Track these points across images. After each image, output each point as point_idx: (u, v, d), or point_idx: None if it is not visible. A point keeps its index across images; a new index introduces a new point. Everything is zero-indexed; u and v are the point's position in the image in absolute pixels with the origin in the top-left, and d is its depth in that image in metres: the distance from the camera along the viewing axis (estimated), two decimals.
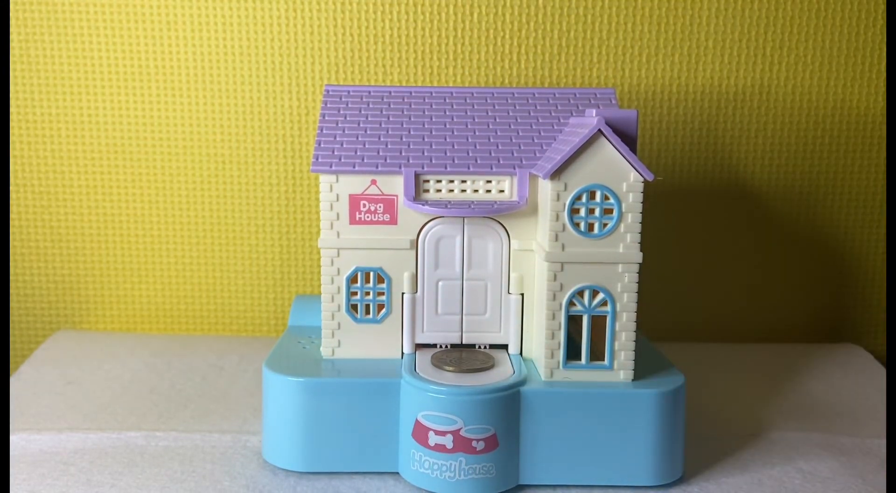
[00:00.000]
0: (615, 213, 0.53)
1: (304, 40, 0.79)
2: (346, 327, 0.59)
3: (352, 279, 0.59)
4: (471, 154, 0.59)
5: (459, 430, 0.52)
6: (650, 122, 0.81)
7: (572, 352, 0.55)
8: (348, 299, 0.59)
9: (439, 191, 0.58)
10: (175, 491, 0.54)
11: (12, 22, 0.78)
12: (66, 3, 0.78)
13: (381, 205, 0.58)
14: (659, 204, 0.82)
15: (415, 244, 0.58)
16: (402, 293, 0.59)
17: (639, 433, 0.54)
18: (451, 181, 0.58)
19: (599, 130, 0.52)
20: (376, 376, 0.55)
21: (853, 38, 0.80)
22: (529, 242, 0.58)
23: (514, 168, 0.58)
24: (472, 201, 0.58)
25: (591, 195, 0.53)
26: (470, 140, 0.60)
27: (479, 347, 0.60)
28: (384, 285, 0.59)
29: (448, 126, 0.62)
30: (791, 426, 0.65)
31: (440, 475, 0.53)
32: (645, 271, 0.55)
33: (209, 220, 0.83)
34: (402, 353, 0.60)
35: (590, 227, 0.54)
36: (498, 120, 0.62)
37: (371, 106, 0.63)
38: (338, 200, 0.58)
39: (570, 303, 0.55)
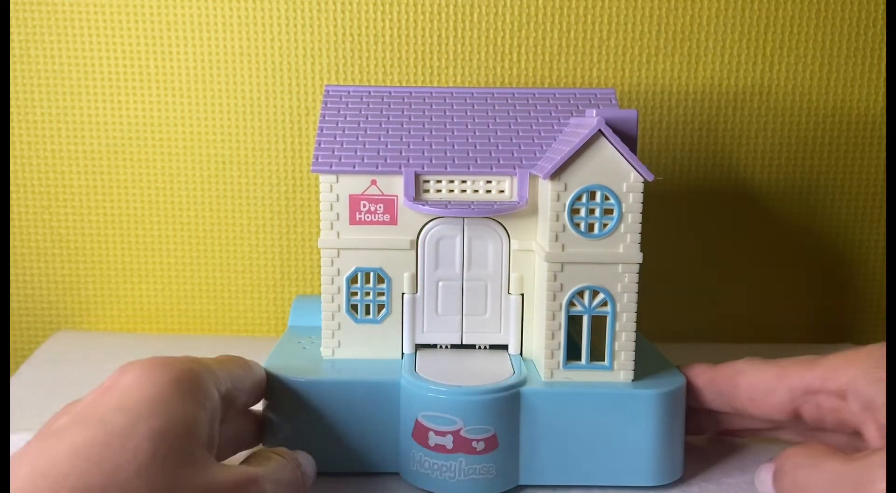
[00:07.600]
0: (615, 213, 0.53)
1: (304, 40, 0.79)
2: (346, 327, 0.59)
3: (352, 280, 0.59)
4: (471, 154, 0.59)
5: (459, 430, 0.52)
6: (650, 122, 0.81)
7: (572, 352, 0.55)
8: (348, 300, 0.59)
9: (439, 191, 0.58)
10: None
11: (12, 22, 0.78)
12: (66, 3, 0.78)
13: (381, 205, 0.58)
14: (659, 204, 0.82)
15: (415, 244, 0.58)
16: (402, 294, 0.59)
17: (639, 433, 0.54)
18: (451, 181, 0.58)
19: (599, 130, 0.52)
20: (376, 377, 0.55)
21: (853, 38, 0.80)
22: (529, 242, 0.58)
23: (514, 168, 0.58)
24: (472, 202, 0.58)
25: (592, 196, 0.53)
26: (470, 140, 0.60)
27: (479, 347, 0.60)
28: (384, 286, 0.59)
29: (448, 126, 0.62)
30: None
31: (440, 476, 0.53)
32: (645, 271, 0.55)
33: (209, 220, 0.83)
34: (402, 353, 0.60)
35: (590, 227, 0.54)
36: (498, 120, 0.62)
37: (371, 106, 0.63)
38: (338, 200, 0.58)
39: (571, 303, 0.54)
